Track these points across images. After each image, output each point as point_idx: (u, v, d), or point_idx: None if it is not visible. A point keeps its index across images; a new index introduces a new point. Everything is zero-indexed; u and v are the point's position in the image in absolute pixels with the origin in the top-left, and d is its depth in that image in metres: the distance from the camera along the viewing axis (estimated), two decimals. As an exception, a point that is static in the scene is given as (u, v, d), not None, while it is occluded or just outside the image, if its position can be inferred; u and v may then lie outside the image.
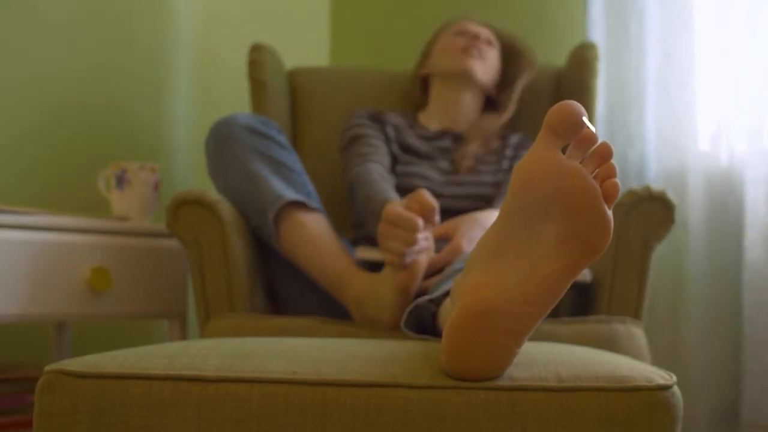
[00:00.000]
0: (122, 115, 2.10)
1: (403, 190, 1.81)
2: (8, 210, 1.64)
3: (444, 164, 1.87)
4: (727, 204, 2.04)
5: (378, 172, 1.74)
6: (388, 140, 1.88)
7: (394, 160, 1.87)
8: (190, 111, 2.25)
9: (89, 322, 2.05)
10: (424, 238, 1.48)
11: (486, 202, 1.81)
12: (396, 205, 1.49)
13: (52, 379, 0.99)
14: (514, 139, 1.92)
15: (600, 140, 0.93)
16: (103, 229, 1.75)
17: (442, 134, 1.93)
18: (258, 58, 2.02)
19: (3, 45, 1.90)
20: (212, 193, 1.65)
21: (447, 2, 2.41)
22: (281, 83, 2.07)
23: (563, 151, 0.96)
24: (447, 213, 1.79)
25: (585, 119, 0.91)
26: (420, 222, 1.44)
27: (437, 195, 1.81)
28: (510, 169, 1.86)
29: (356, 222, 1.88)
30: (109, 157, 2.06)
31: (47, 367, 1.00)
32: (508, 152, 1.88)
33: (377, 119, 1.93)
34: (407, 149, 1.89)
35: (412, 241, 1.44)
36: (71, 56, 2.01)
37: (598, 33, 2.14)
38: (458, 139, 1.93)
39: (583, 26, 2.21)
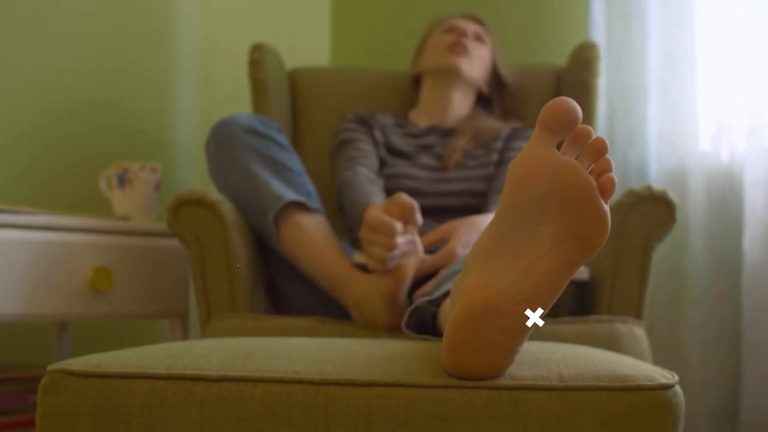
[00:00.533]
0: (123, 114, 2.11)
1: (391, 192, 1.80)
2: (9, 210, 1.64)
3: (431, 161, 1.87)
4: (727, 204, 2.04)
5: (365, 175, 1.73)
6: (376, 143, 1.88)
7: (382, 164, 1.86)
8: (192, 111, 2.25)
9: (90, 322, 2.05)
10: (406, 242, 1.45)
11: (475, 197, 1.80)
12: (377, 209, 1.46)
13: (55, 379, 0.99)
14: (505, 131, 1.90)
15: (594, 135, 0.93)
16: (104, 228, 1.75)
17: (429, 130, 1.93)
18: (259, 58, 2.02)
19: (3, 45, 1.90)
20: (213, 193, 1.65)
21: (447, 2, 2.41)
22: (282, 83, 2.07)
23: (558, 147, 0.96)
24: (437, 210, 1.78)
25: (579, 115, 0.90)
26: (398, 226, 1.41)
27: (425, 193, 1.80)
28: (500, 162, 1.85)
29: (349, 226, 1.87)
30: (111, 156, 2.06)
31: (50, 367, 1.00)
32: (498, 144, 1.87)
33: (366, 123, 1.92)
34: (393, 151, 1.88)
35: (392, 246, 1.41)
36: (72, 56, 2.01)
37: (599, 33, 2.14)
38: (445, 134, 1.93)
39: (585, 26, 2.21)
